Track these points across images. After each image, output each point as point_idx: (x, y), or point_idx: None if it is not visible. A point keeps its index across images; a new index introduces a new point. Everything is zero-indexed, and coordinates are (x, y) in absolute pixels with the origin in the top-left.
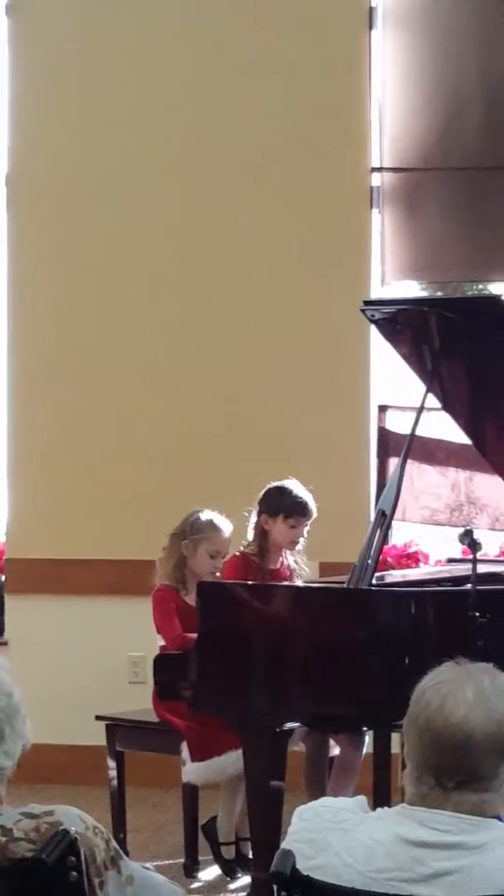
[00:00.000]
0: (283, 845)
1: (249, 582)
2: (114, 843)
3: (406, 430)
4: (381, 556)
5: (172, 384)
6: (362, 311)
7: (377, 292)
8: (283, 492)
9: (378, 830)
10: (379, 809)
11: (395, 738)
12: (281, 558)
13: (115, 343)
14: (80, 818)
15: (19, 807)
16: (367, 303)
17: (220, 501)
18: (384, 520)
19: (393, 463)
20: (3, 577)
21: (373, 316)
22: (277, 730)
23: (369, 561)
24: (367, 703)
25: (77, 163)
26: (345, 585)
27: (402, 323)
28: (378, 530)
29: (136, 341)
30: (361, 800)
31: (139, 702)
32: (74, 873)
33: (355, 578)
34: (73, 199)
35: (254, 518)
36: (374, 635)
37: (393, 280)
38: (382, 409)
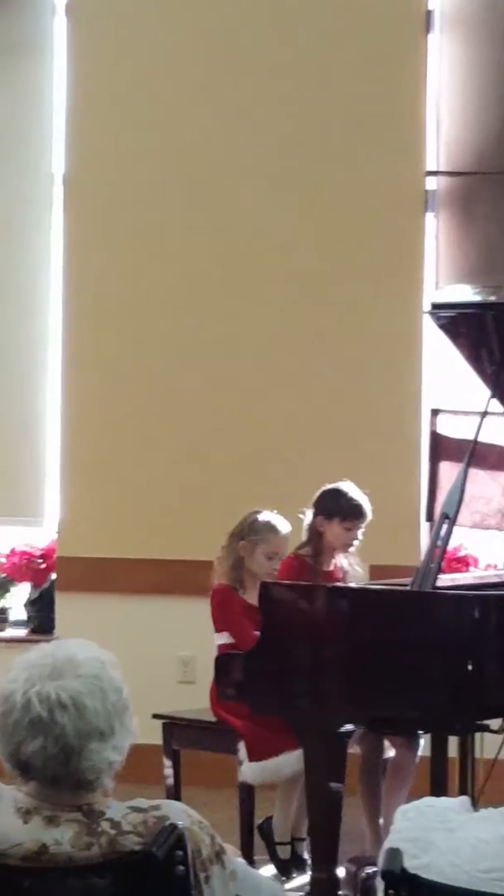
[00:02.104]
0: (388, 844)
1: (312, 583)
2: (218, 839)
3: (458, 434)
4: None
5: (224, 385)
6: (428, 313)
7: (431, 296)
8: (338, 494)
9: (483, 830)
10: (483, 810)
11: (452, 741)
12: (334, 560)
13: (169, 345)
14: (185, 813)
15: (126, 800)
16: (435, 306)
17: (271, 503)
18: (448, 522)
19: (445, 467)
20: (55, 575)
21: (438, 319)
22: (337, 731)
23: (433, 564)
24: (430, 707)
25: (133, 163)
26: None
27: (465, 326)
28: (441, 533)
29: (191, 343)
30: (465, 800)
31: (189, 701)
32: (181, 867)
33: (419, 581)
34: (129, 199)
35: (308, 520)
36: (437, 639)
37: (446, 284)
38: (435, 412)
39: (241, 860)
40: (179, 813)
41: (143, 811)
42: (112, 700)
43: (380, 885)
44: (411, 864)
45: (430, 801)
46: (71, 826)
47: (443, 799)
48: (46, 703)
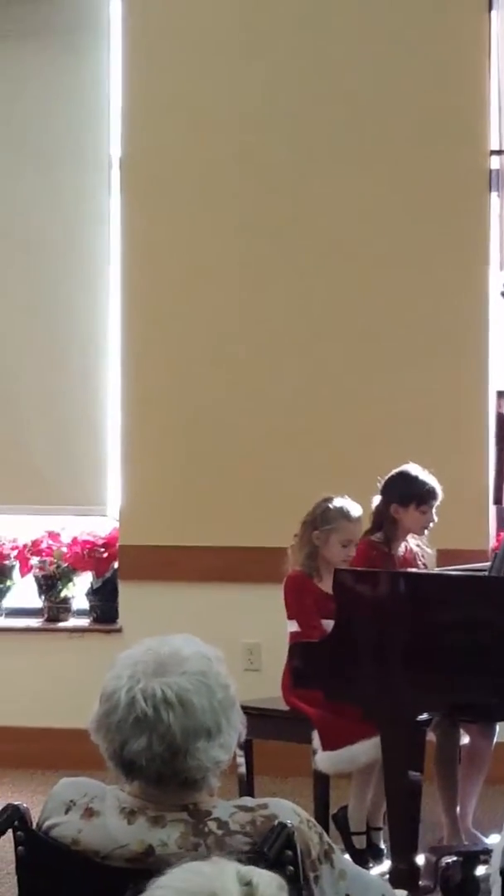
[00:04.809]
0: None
1: (389, 570)
2: (327, 838)
3: None
4: None
5: (287, 370)
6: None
7: (496, 277)
8: (409, 479)
9: None
10: None
11: None
12: (405, 543)
13: (230, 329)
14: (294, 811)
15: (232, 799)
16: None
17: (337, 489)
18: None
19: None
20: (117, 564)
21: None
22: (416, 720)
23: None
24: None
25: (191, 145)
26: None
27: None
28: None
29: (251, 327)
30: None
31: (255, 690)
32: (291, 867)
33: (497, 566)
34: (187, 181)
35: (374, 505)
36: None
37: None
38: (501, 394)
39: (348, 858)
40: (288, 811)
41: (250, 810)
42: (219, 697)
43: (496, 882)
44: None
45: None
46: (177, 826)
47: None
48: (152, 700)
